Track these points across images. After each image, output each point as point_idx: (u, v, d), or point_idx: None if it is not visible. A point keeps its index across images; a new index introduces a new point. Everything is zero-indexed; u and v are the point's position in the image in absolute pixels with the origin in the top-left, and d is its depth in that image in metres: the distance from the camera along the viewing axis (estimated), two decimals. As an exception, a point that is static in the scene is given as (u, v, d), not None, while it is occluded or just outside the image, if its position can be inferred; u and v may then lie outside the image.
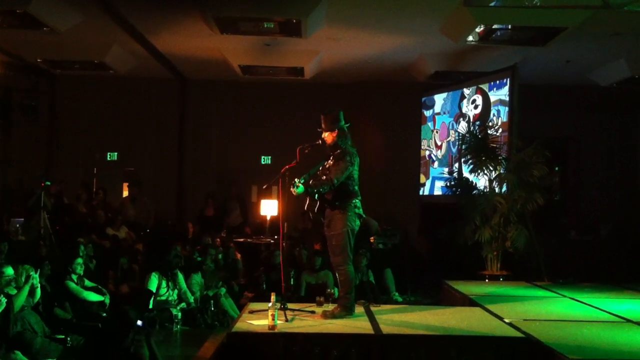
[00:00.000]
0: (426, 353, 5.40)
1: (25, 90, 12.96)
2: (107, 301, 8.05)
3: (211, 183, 14.17)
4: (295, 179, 6.02)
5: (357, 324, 6.04)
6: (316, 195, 6.18)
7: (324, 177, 6.22)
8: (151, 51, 11.54)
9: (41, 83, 13.32)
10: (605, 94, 13.44)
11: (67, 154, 14.07)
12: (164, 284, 8.27)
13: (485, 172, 10.09)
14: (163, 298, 8.23)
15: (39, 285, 6.66)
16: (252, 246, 10.99)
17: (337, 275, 6.46)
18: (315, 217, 6.40)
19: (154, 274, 8.24)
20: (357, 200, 6.32)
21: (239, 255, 10.41)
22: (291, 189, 6.01)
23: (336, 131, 6.30)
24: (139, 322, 4.65)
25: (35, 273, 6.61)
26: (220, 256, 9.80)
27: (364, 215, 6.41)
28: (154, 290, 8.13)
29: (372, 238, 10.74)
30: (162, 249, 8.87)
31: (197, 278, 8.94)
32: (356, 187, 6.34)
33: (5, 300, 6.16)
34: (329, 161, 6.31)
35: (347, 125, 6.38)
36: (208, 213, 12.73)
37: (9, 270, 6.47)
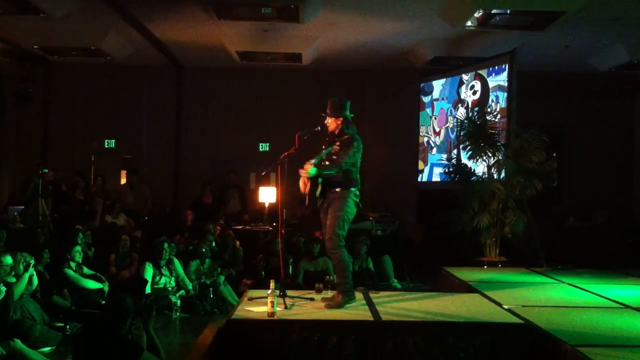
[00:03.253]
0: (425, 339, 5.40)
1: (20, 77, 12.90)
2: (106, 288, 8.06)
3: (209, 170, 14.14)
4: (307, 163, 6.02)
5: (356, 310, 6.04)
6: (319, 178, 6.17)
7: (331, 161, 6.21)
8: (148, 38, 11.48)
9: (36, 70, 13.25)
10: (603, 80, 13.42)
11: (64, 142, 14.04)
12: (157, 272, 8.29)
13: (484, 158, 10.07)
14: (160, 286, 8.24)
15: (34, 272, 6.65)
16: (250, 233, 10.98)
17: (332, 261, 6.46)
18: (310, 201, 6.35)
19: (147, 263, 8.25)
20: (356, 189, 6.30)
21: (237, 243, 10.40)
22: (301, 171, 6.01)
23: (341, 119, 6.28)
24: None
25: (32, 260, 6.60)
26: (213, 244, 9.79)
27: (360, 206, 6.40)
28: (150, 279, 8.14)
29: None
30: (160, 236, 8.86)
31: (195, 265, 8.95)
32: (357, 176, 6.32)
33: (5, 288, 6.16)
34: (335, 146, 6.29)
35: (351, 115, 6.36)
36: (206, 200, 12.70)
37: (8, 259, 6.47)
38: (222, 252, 9.98)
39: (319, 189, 6.25)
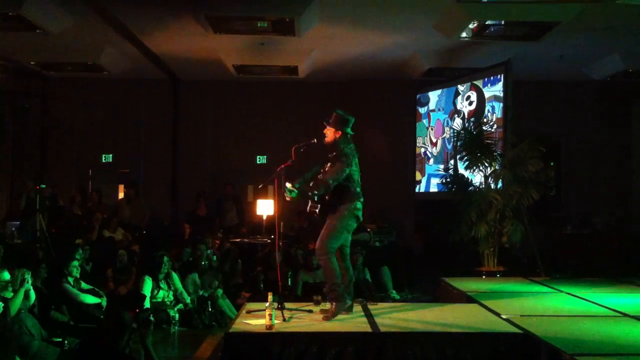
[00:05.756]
0: (424, 350, 5.40)
1: (17, 92, 12.93)
2: (104, 303, 8.04)
3: (206, 183, 14.14)
4: (287, 184, 6.01)
5: (354, 322, 6.03)
6: (315, 197, 6.16)
7: (319, 180, 6.21)
8: (145, 52, 11.51)
9: (34, 85, 13.28)
10: (599, 88, 13.48)
11: (61, 157, 14.05)
12: (156, 286, 8.28)
13: (481, 168, 10.09)
14: (159, 300, 8.23)
15: (31, 287, 6.64)
16: (248, 246, 10.98)
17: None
18: (319, 218, 6.36)
19: (146, 277, 8.24)
20: (358, 203, 6.26)
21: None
22: (285, 194, 6.01)
23: (340, 132, 6.29)
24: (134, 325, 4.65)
25: (30, 276, 6.58)
26: (214, 258, 9.79)
27: (361, 219, 6.38)
28: (148, 293, 8.12)
29: None
30: (158, 250, 8.86)
31: (194, 278, 8.93)
32: (358, 189, 6.28)
33: (2, 304, 6.15)
34: (327, 165, 6.30)
35: (352, 133, 6.37)
36: (200, 212, 12.68)
37: (5, 275, 6.45)
38: (222, 265, 9.98)
39: (319, 208, 6.24)
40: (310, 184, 6.19)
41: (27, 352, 6.07)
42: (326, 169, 6.26)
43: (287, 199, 6.06)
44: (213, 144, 14.38)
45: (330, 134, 6.33)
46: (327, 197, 6.20)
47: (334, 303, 6.19)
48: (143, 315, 7.51)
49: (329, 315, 6.13)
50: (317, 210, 6.27)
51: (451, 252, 10.24)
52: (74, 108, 14.12)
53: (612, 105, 13.89)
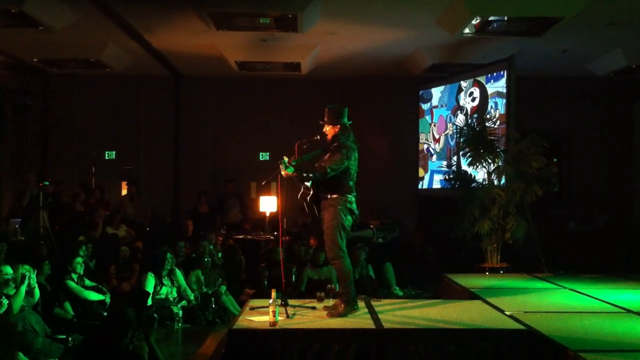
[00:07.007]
0: (427, 347, 5.41)
1: (18, 90, 12.93)
2: (108, 300, 8.06)
3: (208, 181, 14.15)
4: (285, 157, 6.01)
5: (358, 319, 6.04)
6: (309, 181, 6.17)
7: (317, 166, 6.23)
8: (147, 48, 11.51)
9: (35, 83, 13.27)
10: (602, 84, 13.44)
11: (64, 154, 14.06)
12: (159, 282, 8.29)
13: (484, 164, 10.08)
14: (162, 296, 8.23)
15: (36, 285, 6.64)
16: (252, 243, 10.98)
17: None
18: (308, 205, 6.36)
19: (149, 273, 8.24)
20: (350, 196, 6.26)
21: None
22: (280, 166, 6.00)
23: (338, 126, 6.29)
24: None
25: (34, 273, 6.59)
26: (219, 254, 9.79)
27: (356, 212, 6.38)
28: (151, 290, 8.13)
29: None
30: (161, 247, 8.87)
31: (197, 274, 8.94)
32: (351, 183, 6.29)
33: (7, 301, 6.16)
34: (326, 155, 6.31)
35: (349, 122, 6.37)
36: (202, 209, 12.69)
37: (7, 269, 6.46)
38: (227, 262, 9.98)
39: (311, 194, 6.25)
40: (310, 167, 6.20)
41: (31, 349, 6.09)
42: (325, 158, 6.26)
43: (283, 173, 6.06)
44: (215, 141, 14.37)
45: (329, 130, 6.35)
46: (320, 187, 6.22)
47: (342, 304, 6.19)
48: (147, 312, 7.52)
49: (334, 313, 6.14)
50: (308, 198, 6.28)
51: (453, 249, 10.23)
52: (75, 105, 14.12)
53: (615, 101, 13.86)
